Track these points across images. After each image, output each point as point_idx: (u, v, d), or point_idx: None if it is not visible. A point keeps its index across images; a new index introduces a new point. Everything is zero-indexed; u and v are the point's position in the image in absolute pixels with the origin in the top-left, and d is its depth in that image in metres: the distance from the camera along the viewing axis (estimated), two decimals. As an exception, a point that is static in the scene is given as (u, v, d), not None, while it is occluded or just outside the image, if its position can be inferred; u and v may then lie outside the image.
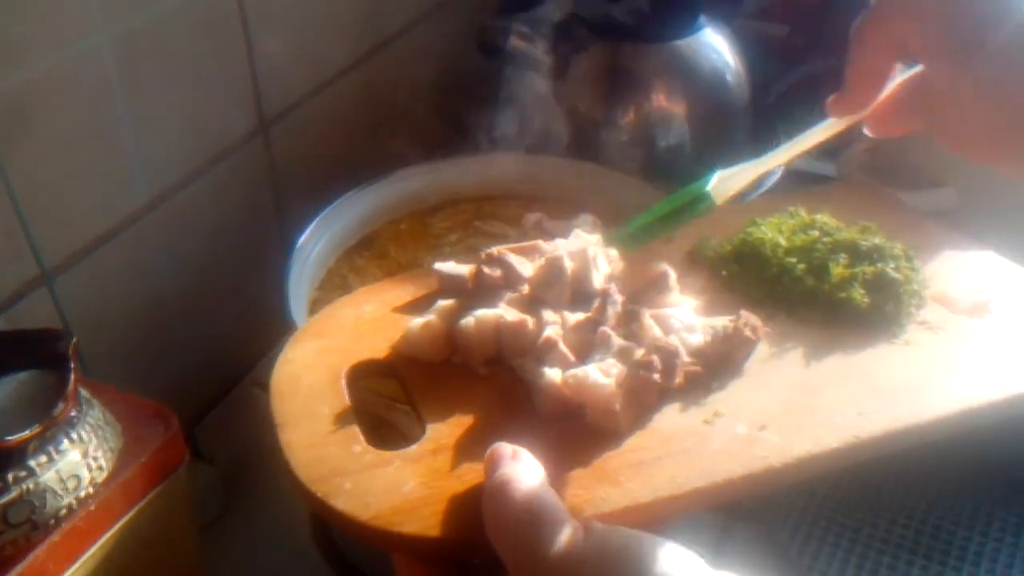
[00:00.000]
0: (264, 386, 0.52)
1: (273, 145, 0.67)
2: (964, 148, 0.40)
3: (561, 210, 0.65)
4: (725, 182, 0.44)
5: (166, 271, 0.60)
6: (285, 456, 0.36)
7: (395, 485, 0.35)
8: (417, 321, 0.41)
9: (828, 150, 0.76)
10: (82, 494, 0.39)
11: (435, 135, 0.84)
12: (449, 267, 0.44)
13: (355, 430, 0.37)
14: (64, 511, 0.39)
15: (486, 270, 0.42)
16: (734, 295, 0.45)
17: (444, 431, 0.37)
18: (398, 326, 0.42)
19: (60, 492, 0.38)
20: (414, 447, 0.36)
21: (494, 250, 0.43)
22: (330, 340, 0.42)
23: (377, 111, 0.78)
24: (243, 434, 0.65)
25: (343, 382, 0.39)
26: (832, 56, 0.84)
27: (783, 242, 0.46)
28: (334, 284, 0.58)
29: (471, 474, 0.35)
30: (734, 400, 0.39)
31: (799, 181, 0.71)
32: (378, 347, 0.41)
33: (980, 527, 0.58)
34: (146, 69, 0.54)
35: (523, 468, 0.32)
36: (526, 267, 0.43)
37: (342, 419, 0.37)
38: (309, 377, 0.40)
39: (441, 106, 0.85)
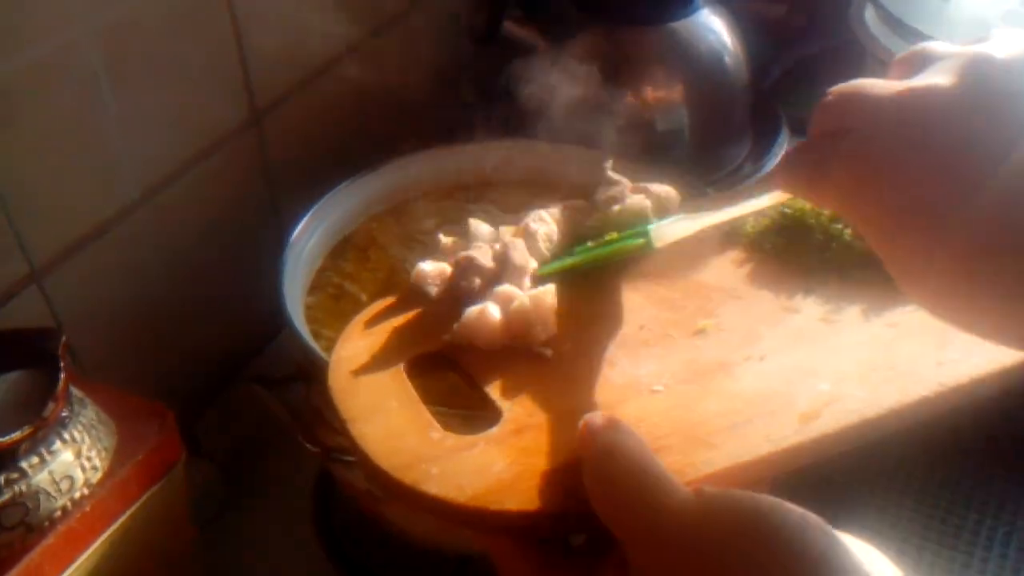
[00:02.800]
0: (264, 382, 0.52)
1: (266, 136, 0.66)
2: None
3: (555, 196, 0.64)
4: (663, 229, 0.43)
5: (159, 267, 0.60)
6: (361, 448, 0.35)
7: (484, 466, 0.34)
8: (472, 309, 0.40)
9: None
10: (76, 495, 0.39)
11: (430, 122, 0.83)
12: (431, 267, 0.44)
13: (429, 417, 0.36)
14: (58, 513, 0.38)
15: (463, 283, 0.42)
16: (782, 266, 0.45)
17: (520, 412, 0.37)
18: (447, 318, 0.41)
19: (54, 494, 0.38)
20: (495, 429, 0.36)
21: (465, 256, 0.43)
22: (380, 337, 0.41)
23: (372, 98, 0.77)
24: (243, 430, 0.64)
25: (404, 375, 0.39)
26: (831, 35, 0.83)
27: (825, 211, 0.46)
28: (327, 291, 0.57)
29: (561, 449, 0.34)
30: (808, 362, 0.39)
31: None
32: (431, 340, 0.41)
33: (991, 511, 0.58)
34: (132, 60, 0.53)
35: (623, 436, 0.31)
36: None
37: (413, 408, 0.37)
38: (368, 374, 0.39)
39: (435, 93, 0.85)
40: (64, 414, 0.39)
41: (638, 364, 0.39)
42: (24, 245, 0.50)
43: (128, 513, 0.41)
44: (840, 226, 0.45)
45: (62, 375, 0.38)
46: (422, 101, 0.83)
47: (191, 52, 0.57)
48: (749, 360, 0.39)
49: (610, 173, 0.49)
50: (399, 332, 0.42)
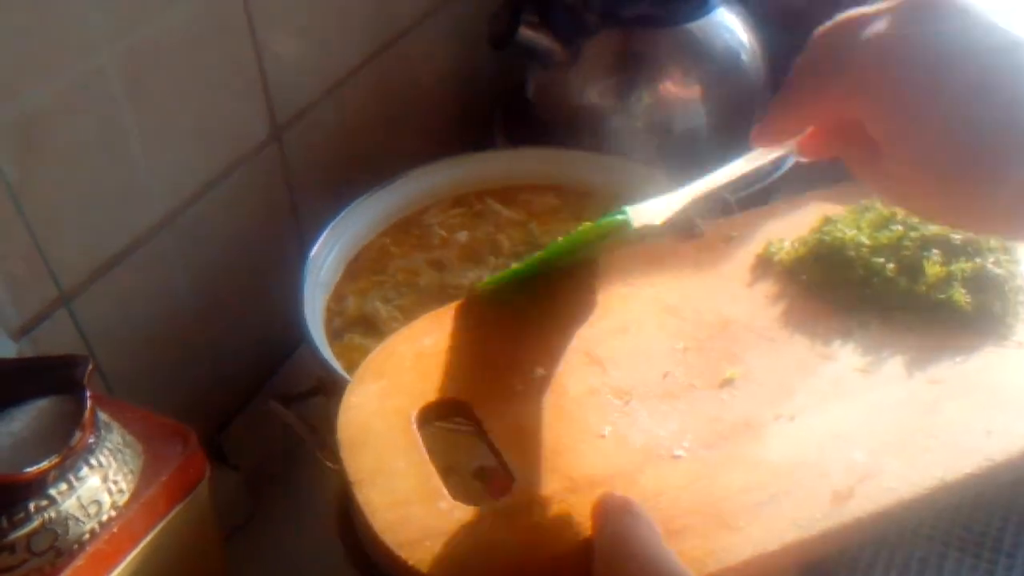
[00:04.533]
0: (283, 399, 0.53)
1: (287, 151, 0.67)
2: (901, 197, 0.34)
3: (573, 202, 0.65)
4: (642, 208, 0.40)
5: (184, 284, 0.61)
6: (366, 517, 0.34)
7: (492, 545, 0.32)
8: None
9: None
10: (104, 518, 0.40)
11: (449, 130, 0.84)
12: None
13: (438, 483, 0.35)
14: (87, 536, 0.39)
15: None
16: (819, 302, 0.42)
17: (533, 476, 0.35)
18: (464, 359, 0.39)
19: (82, 518, 0.39)
20: (505, 500, 0.34)
21: None
22: (392, 380, 0.39)
23: (391, 109, 0.77)
24: (268, 440, 0.66)
25: (414, 428, 0.37)
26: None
27: (866, 240, 0.42)
28: (347, 304, 0.58)
29: (573, 528, 0.32)
30: (843, 424, 0.36)
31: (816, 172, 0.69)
32: (447, 385, 0.39)
33: (1015, 517, 0.57)
34: (154, 84, 0.54)
35: (636, 523, 0.30)
36: None
37: (422, 472, 0.35)
38: (378, 424, 0.37)
39: (452, 100, 0.85)
40: (91, 441, 0.40)
41: (660, 421, 0.37)
42: (53, 270, 0.51)
43: (155, 532, 0.43)
44: (881, 260, 0.41)
45: (88, 404, 0.40)
46: (440, 109, 0.83)
47: (211, 71, 0.58)
48: (779, 420, 0.37)
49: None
50: (411, 377, 0.39)
